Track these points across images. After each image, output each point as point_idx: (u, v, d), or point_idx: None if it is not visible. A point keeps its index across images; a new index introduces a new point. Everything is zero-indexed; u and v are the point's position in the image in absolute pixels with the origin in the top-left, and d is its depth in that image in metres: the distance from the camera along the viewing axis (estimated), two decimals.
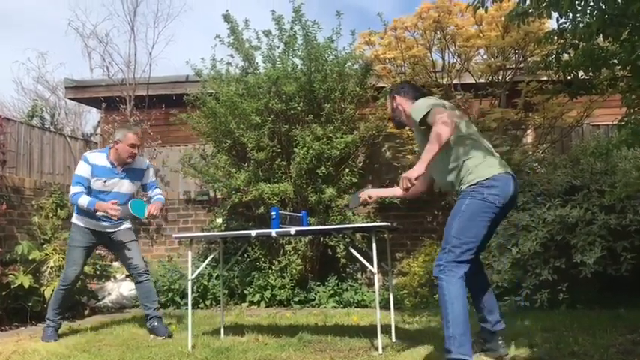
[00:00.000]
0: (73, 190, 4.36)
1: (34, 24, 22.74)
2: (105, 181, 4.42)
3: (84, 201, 4.28)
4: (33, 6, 21.76)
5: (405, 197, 3.92)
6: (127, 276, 6.77)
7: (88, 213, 4.41)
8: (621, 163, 5.17)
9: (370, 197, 3.69)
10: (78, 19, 16.77)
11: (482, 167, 3.07)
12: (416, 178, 3.01)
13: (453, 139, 3.10)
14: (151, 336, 4.44)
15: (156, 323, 4.50)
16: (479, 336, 3.40)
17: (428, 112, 3.10)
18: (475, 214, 3.01)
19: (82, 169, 4.40)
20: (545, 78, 5.57)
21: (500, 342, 3.30)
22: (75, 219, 4.54)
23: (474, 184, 3.04)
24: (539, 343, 3.62)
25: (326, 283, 6.42)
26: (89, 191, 4.38)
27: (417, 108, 3.19)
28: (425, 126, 3.14)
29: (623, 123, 3.67)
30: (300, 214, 4.34)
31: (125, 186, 4.52)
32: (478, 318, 3.38)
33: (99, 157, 4.46)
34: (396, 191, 3.50)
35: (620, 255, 4.82)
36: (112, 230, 4.57)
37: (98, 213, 4.34)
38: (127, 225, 4.68)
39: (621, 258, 4.81)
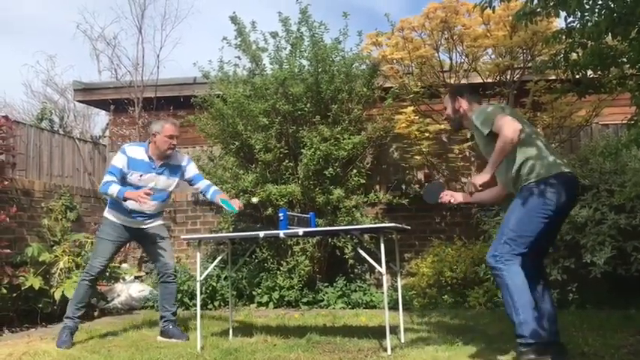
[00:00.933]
0: (105, 179, 4.25)
1: (43, 27, 22.90)
2: (141, 175, 4.31)
3: (114, 189, 4.13)
4: (42, 10, 21.92)
5: (475, 203, 3.88)
6: (135, 277, 6.80)
7: (120, 207, 4.33)
8: (631, 163, 5.14)
9: (452, 201, 3.65)
10: (86, 22, 16.91)
11: (544, 165, 3.11)
12: (481, 185, 3.12)
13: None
14: (159, 338, 4.41)
15: (170, 326, 4.43)
16: None
17: (492, 123, 3.15)
18: (533, 209, 3.07)
19: (118, 160, 4.29)
20: (553, 77, 5.54)
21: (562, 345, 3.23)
22: (106, 213, 4.45)
23: (535, 182, 3.09)
24: None
25: (334, 284, 6.42)
26: (123, 185, 4.23)
27: (483, 120, 3.22)
28: (490, 135, 3.19)
29: (632, 122, 3.64)
30: (308, 215, 4.34)
31: (161, 181, 4.40)
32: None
33: (137, 150, 4.37)
34: (467, 196, 3.49)
35: (630, 255, 4.79)
36: (145, 226, 4.47)
37: (129, 205, 4.25)
38: (160, 221, 4.60)
39: (632, 258, 4.78)
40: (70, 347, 4.12)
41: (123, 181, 4.27)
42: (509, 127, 3.02)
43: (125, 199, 4.15)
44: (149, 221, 4.49)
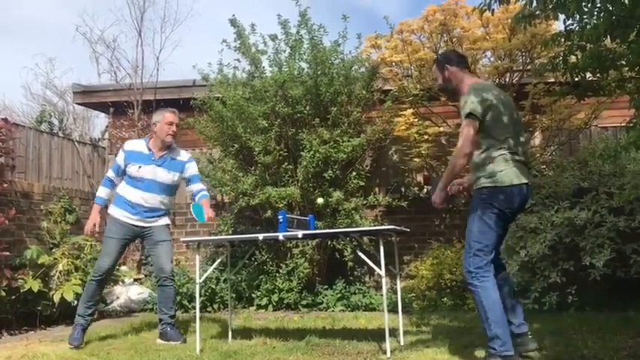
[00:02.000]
0: (110, 174, 4.57)
1: (43, 30, 22.92)
2: (139, 167, 4.38)
3: (99, 192, 4.53)
4: (41, 12, 21.93)
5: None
6: (134, 280, 6.79)
7: (123, 204, 4.42)
8: (630, 165, 5.15)
9: (461, 189, 3.56)
10: (85, 24, 16.87)
11: (501, 174, 3.13)
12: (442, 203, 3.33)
13: (483, 136, 3.19)
14: (158, 340, 4.40)
15: (168, 329, 4.42)
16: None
17: (466, 116, 3.18)
18: (487, 218, 3.14)
19: (118, 156, 4.55)
20: (552, 80, 5.54)
21: (529, 337, 3.33)
22: (111, 210, 4.50)
23: (489, 187, 3.13)
24: (548, 347, 3.60)
25: (333, 286, 6.41)
26: (125, 177, 4.48)
27: (468, 103, 3.21)
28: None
29: (631, 124, 3.64)
30: (308, 218, 4.34)
31: (160, 174, 4.44)
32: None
33: (136, 144, 4.55)
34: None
35: (629, 257, 4.79)
36: (149, 225, 4.48)
37: (128, 203, 4.42)
38: (165, 221, 4.58)
39: (631, 260, 4.78)
40: (80, 344, 4.20)
41: (124, 175, 4.49)
42: (462, 149, 3.14)
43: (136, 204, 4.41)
44: (153, 219, 4.49)
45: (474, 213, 3.19)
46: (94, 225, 4.46)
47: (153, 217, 4.49)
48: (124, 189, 4.48)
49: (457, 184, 3.54)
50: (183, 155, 4.64)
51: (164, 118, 4.47)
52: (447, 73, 3.47)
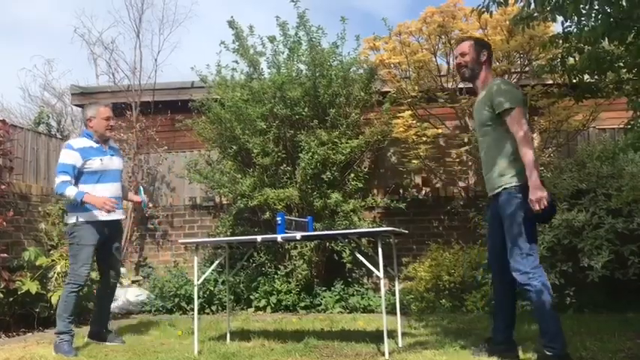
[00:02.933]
0: (59, 179, 4.15)
1: (41, 32, 22.90)
2: (102, 160, 4.32)
3: (71, 191, 4.10)
4: (39, 13, 21.92)
5: None
6: (133, 282, 6.78)
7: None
8: (628, 167, 5.15)
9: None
10: (84, 25, 16.84)
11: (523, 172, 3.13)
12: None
13: (506, 133, 3.20)
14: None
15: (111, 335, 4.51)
16: (489, 341, 3.42)
17: (512, 109, 3.16)
18: (529, 215, 3.10)
19: (68, 156, 4.21)
20: (550, 82, 5.56)
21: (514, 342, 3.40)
22: (82, 217, 4.19)
23: (518, 185, 3.15)
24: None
25: (332, 288, 6.41)
26: (79, 178, 4.23)
27: (509, 95, 3.20)
28: (499, 116, 3.22)
29: (629, 126, 3.66)
30: (306, 219, 4.34)
31: (116, 162, 4.48)
32: (494, 326, 3.45)
33: (83, 141, 4.35)
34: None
35: (627, 259, 4.80)
36: (118, 218, 4.43)
37: (87, 205, 4.15)
38: (122, 217, 4.57)
39: (629, 262, 4.79)
40: (76, 355, 4.02)
41: (79, 176, 4.24)
42: (528, 138, 3.11)
43: (83, 204, 4.12)
44: (120, 210, 4.44)
45: (513, 214, 3.15)
46: (106, 201, 4.15)
47: (120, 207, 4.44)
48: (92, 189, 4.22)
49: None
50: (114, 143, 4.71)
51: (100, 113, 4.37)
52: (483, 57, 3.46)
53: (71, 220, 4.26)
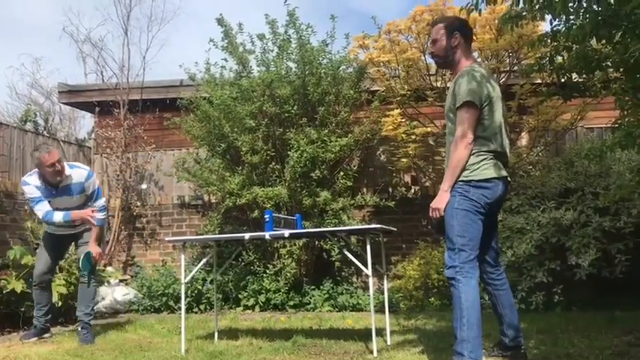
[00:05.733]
0: (42, 209, 4.40)
1: (29, 29, 22.68)
2: (50, 201, 4.46)
3: (58, 217, 4.41)
4: (28, 11, 21.71)
5: None
6: (120, 281, 6.73)
7: (52, 225, 4.55)
8: (615, 166, 5.18)
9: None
10: (72, 23, 16.75)
11: (478, 168, 3.02)
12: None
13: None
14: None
15: (79, 328, 4.58)
16: (498, 345, 3.36)
17: (464, 103, 2.98)
18: (468, 212, 2.98)
19: (33, 191, 4.41)
20: (539, 81, 5.58)
21: (522, 351, 3.26)
22: (45, 227, 4.73)
23: (465, 181, 3.00)
24: (535, 346, 3.61)
25: (321, 287, 6.40)
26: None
27: (465, 88, 3.00)
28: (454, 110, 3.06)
29: (617, 125, 3.68)
30: (295, 217, 4.33)
31: (67, 202, 4.54)
32: (499, 331, 3.34)
33: (34, 179, 4.46)
34: None
35: (614, 257, 4.83)
36: (77, 231, 4.69)
37: (57, 223, 4.47)
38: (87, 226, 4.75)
39: (616, 260, 4.82)
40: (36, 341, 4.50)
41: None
42: (464, 140, 2.95)
43: (74, 220, 4.48)
44: (79, 227, 4.68)
45: (450, 209, 3.03)
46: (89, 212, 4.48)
47: (78, 225, 4.66)
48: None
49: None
50: (81, 175, 4.57)
51: (41, 163, 4.34)
52: (455, 41, 3.19)
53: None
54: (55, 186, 4.47)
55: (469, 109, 2.99)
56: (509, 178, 3.17)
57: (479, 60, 6.25)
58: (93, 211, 4.44)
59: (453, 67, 3.26)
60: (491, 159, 3.06)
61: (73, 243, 4.89)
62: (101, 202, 4.71)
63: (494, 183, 3.04)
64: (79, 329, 4.56)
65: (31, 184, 4.43)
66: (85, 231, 4.69)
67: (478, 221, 3.00)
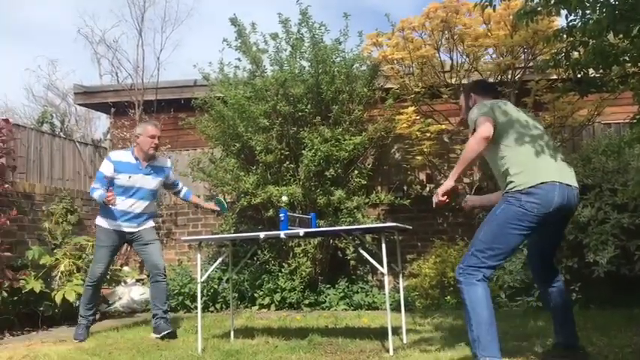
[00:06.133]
0: (93, 185, 4.62)
1: (45, 32, 22.94)
2: (129, 177, 4.61)
3: (96, 194, 4.48)
4: (43, 14, 21.96)
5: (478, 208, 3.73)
6: (137, 280, 6.78)
7: (109, 213, 4.62)
8: (634, 161, 5.12)
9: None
10: (87, 25, 16.88)
11: (523, 175, 2.93)
12: (446, 193, 3.07)
13: (498, 143, 3.04)
14: (152, 335, 4.56)
15: (161, 322, 4.60)
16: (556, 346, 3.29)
17: (475, 122, 3.04)
18: (508, 221, 2.89)
19: (104, 167, 4.61)
20: (554, 76, 5.52)
21: (582, 352, 3.19)
22: (98, 221, 4.72)
23: (516, 191, 2.92)
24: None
25: (336, 285, 6.39)
26: (110, 188, 4.52)
27: (471, 118, 3.11)
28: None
29: (635, 121, 3.62)
30: (309, 216, 4.33)
31: (149, 181, 4.71)
32: (555, 331, 3.27)
33: (122, 154, 4.70)
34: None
35: (633, 254, 4.77)
36: (135, 230, 4.73)
37: (117, 208, 4.56)
38: (151, 224, 4.85)
39: (635, 257, 4.75)
40: (85, 339, 4.55)
41: (111, 185, 4.58)
42: (477, 135, 2.96)
43: (105, 204, 4.48)
44: (138, 224, 4.74)
45: (490, 215, 3.03)
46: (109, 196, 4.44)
47: (141, 221, 4.75)
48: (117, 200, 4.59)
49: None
50: (165, 161, 4.99)
51: (146, 131, 4.65)
52: (472, 102, 3.35)
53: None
54: (146, 161, 4.68)
55: (482, 120, 3.01)
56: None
57: (494, 56, 6.23)
58: (110, 195, 4.38)
59: None
60: (539, 162, 3.00)
61: (130, 244, 4.93)
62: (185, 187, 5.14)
63: (548, 187, 2.91)
64: (160, 323, 4.58)
65: (110, 161, 4.60)
66: (148, 231, 4.78)
67: (515, 234, 2.91)
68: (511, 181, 2.96)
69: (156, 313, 4.66)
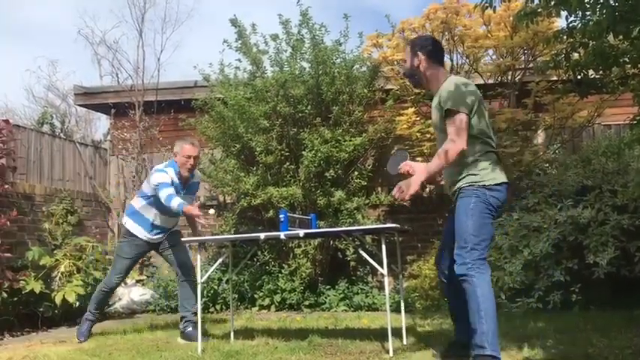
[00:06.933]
0: (167, 191, 4.28)
1: (45, 32, 22.95)
2: None
3: (176, 202, 4.23)
4: (43, 14, 21.97)
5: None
6: (137, 281, 6.78)
7: (144, 223, 4.53)
8: (633, 163, 5.12)
9: (410, 172, 3.44)
10: (87, 25, 16.91)
11: (490, 172, 3.10)
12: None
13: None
14: (179, 340, 4.45)
15: (190, 328, 4.48)
16: (454, 345, 3.36)
17: (452, 111, 3.04)
18: (483, 213, 3.05)
19: (165, 177, 4.35)
20: (555, 78, 5.52)
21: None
22: (131, 227, 4.57)
23: (478, 185, 3.07)
24: (553, 345, 3.57)
25: (336, 286, 6.39)
26: (152, 196, 4.44)
27: (451, 95, 3.07)
28: (445, 116, 3.10)
29: (635, 122, 3.63)
30: (309, 217, 4.33)
31: (187, 200, 4.50)
32: (457, 329, 3.35)
33: (171, 172, 4.43)
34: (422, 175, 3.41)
35: (634, 255, 4.77)
36: (164, 237, 4.68)
37: (156, 220, 4.52)
38: (177, 227, 4.81)
39: (635, 258, 4.75)
40: (86, 339, 4.50)
41: (152, 196, 4.44)
42: (457, 144, 3.01)
43: (184, 213, 4.34)
44: (169, 233, 4.70)
45: (464, 210, 3.09)
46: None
47: (170, 232, 4.72)
48: (148, 210, 4.54)
49: (408, 166, 3.48)
50: (198, 176, 4.79)
51: (183, 151, 4.44)
52: (417, 61, 3.29)
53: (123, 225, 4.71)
54: (184, 182, 4.52)
55: (459, 117, 3.04)
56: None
57: (494, 57, 6.23)
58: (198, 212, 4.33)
59: (429, 84, 3.34)
60: (497, 162, 3.17)
61: (156, 250, 4.82)
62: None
63: (504, 187, 3.14)
64: (189, 329, 4.45)
65: (167, 173, 4.38)
66: (173, 234, 4.71)
67: (490, 224, 3.10)
68: (475, 175, 3.09)
69: (184, 316, 4.53)
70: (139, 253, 4.69)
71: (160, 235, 4.64)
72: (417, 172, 3.29)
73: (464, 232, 3.04)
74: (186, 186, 4.57)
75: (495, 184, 3.08)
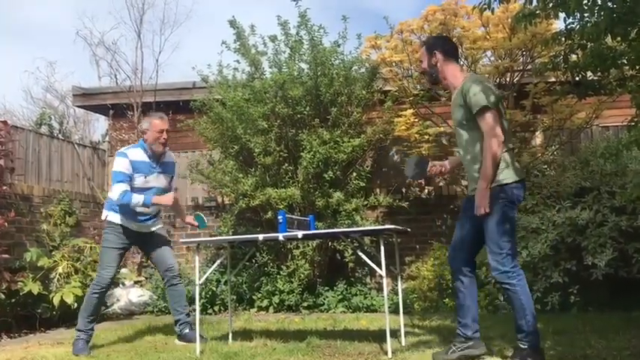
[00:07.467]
0: (120, 188, 4.10)
1: (43, 33, 22.94)
2: (145, 177, 4.26)
3: (138, 199, 4.10)
4: (42, 15, 21.96)
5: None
6: (135, 282, 6.78)
7: (128, 213, 4.24)
8: (632, 164, 5.13)
9: (443, 170, 3.65)
10: (85, 27, 16.90)
11: (510, 170, 3.17)
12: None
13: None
14: (176, 342, 4.40)
15: (187, 330, 4.40)
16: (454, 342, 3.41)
17: (484, 108, 3.11)
18: (509, 214, 3.15)
19: (122, 165, 4.16)
20: (553, 79, 5.53)
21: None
22: (112, 217, 4.29)
23: (504, 184, 3.13)
24: (551, 347, 3.58)
25: (335, 288, 6.39)
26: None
27: (479, 94, 3.14)
28: (473, 117, 3.18)
29: (633, 123, 3.63)
30: (308, 218, 4.33)
31: (161, 180, 4.36)
32: (461, 324, 3.41)
33: (137, 152, 4.26)
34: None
35: (631, 257, 4.78)
36: (149, 231, 4.43)
37: (141, 209, 4.25)
38: (161, 224, 4.60)
39: (633, 260, 4.76)
40: (87, 354, 4.02)
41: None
42: (498, 139, 3.08)
43: (152, 205, 4.23)
44: (153, 224, 4.45)
45: (494, 214, 3.12)
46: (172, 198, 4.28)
47: (154, 222, 4.47)
48: None
49: (439, 165, 3.60)
50: (171, 156, 4.57)
51: (153, 126, 4.25)
52: (434, 60, 3.41)
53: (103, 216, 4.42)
54: (157, 159, 4.31)
55: (492, 113, 3.13)
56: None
57: (492, 59, 6.23)
58: (175, 197, 4.24)
59: (445, 81, 3.45)
60: (514, 160, 3.24)
61: (141, 247, 4.68)
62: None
63: (522, 185, 3.24)
64: (186, 331, 4.36)
65: (127, 157, 4.17)
66: (159, 233, 4.52)
67: (515, 222, 3.25)
68: (500, 173, 3.14)
69: (178, 319, 4.42)
70: (125, 244, 4.31)
71: (147, 223, 4.37)
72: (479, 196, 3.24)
73: (497, 238, 3.13)
74: (160, 163, 4.34)
75: (514, 182, 3.15)
